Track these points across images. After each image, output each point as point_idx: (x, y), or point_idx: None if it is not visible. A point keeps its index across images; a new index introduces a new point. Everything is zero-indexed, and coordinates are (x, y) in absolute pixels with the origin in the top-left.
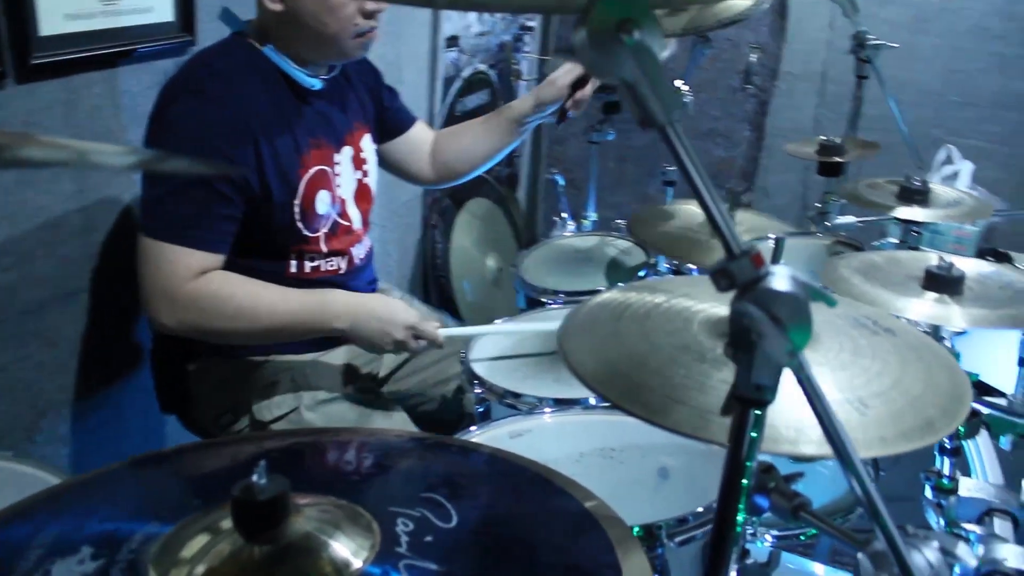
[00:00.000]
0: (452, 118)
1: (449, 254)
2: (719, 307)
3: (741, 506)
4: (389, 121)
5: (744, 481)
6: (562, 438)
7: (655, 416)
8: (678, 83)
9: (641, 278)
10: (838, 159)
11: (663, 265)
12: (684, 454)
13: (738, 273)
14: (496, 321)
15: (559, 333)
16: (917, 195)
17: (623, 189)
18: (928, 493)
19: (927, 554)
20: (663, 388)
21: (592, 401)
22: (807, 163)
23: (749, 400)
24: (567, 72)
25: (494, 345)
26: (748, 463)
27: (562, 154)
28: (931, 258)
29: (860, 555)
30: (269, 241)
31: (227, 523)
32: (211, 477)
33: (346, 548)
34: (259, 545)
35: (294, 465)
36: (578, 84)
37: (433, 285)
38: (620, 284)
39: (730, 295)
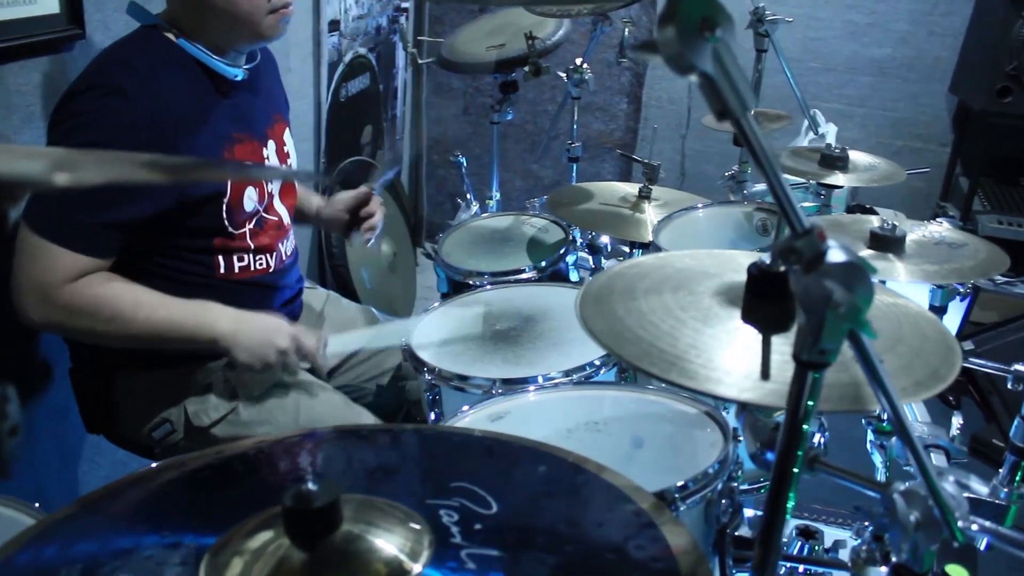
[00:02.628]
0: (337, 104)
1: (345, 243)
2: (717, 276)
3: (797, 467)
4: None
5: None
6: (545, 416)
7: (669, 375)
8: (578, 61)
9: (562, 255)
10: None
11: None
12: (661, 422)
13: (805, 249)
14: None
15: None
16: (838, 161)
17: (506, 167)
18: (871, 436)
19: (947, 487)
20: (672, 349)
21: (540, 380)
22: (683, 133)
23: (812, 364)
24: (351, 198)
25: (436, 330)
26: (805, 426)
27: (442, 135)
28: (872, 221)
29: (895, 495)
30: (194, 241)
31: (270, 533)
32: (237, 484)
33: (399, 545)
34: (313, 552)
35: (296, 468)
36: (358, 209)
37: (333, 275)
38: (543, 263)
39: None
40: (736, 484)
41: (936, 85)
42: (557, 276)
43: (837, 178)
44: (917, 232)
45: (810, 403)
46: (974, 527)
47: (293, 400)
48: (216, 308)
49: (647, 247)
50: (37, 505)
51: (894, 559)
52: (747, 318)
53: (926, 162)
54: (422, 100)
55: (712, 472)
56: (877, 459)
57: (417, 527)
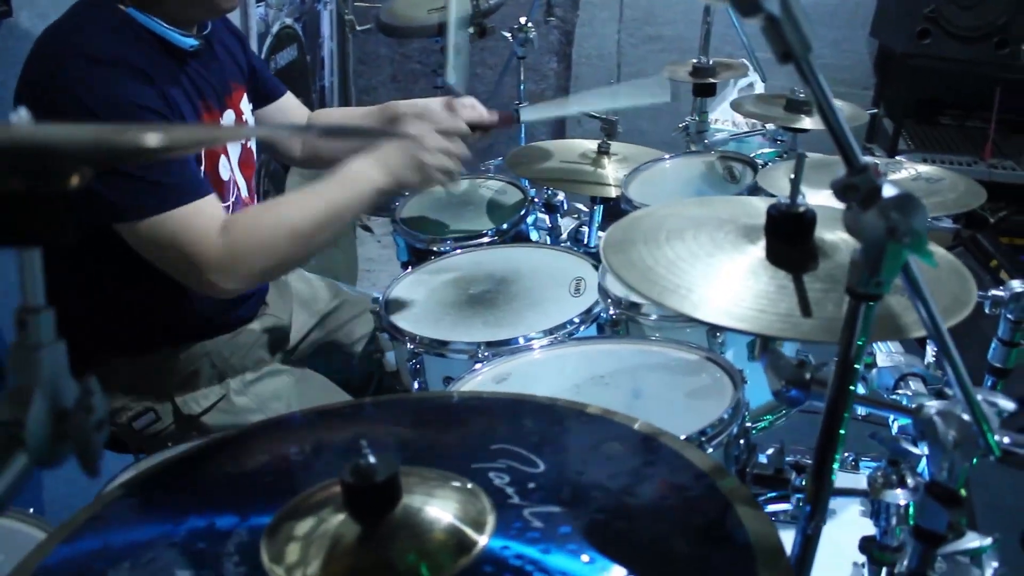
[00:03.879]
0: None
1: None
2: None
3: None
4: (260, 85)
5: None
6: (548, 374)
7: (695, 311)
8: (522, 20)
9: (523, 216)
10: (712, 80)
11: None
12: (665, 371)
13: (862, 184)
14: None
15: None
16: (804, 106)
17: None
18: None
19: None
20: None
21: (521, 341)
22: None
23: (868, 296)
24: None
25: (410, 295)
26: (857, 364)
27: (372, 104)
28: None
29: (934, 416)
30: None
31: (323, 512)
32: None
33: (459, 512)
34: (375, 527)
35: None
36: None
37: None
38: (504, 225)
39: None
40: (749, 425)
41: (858, 31)
42: (519, 237)
43: (804, 122)
44: (897, 171)
45: (862, 337)
46: (1006, 440)
47: (285, 387)
48: (354, 167)
49: (609, 202)
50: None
51: (925, 479)
52: (773, 259)
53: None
54: (349, 69)
55: (727, 417)
56: (859, 388)
57: (473, 493)
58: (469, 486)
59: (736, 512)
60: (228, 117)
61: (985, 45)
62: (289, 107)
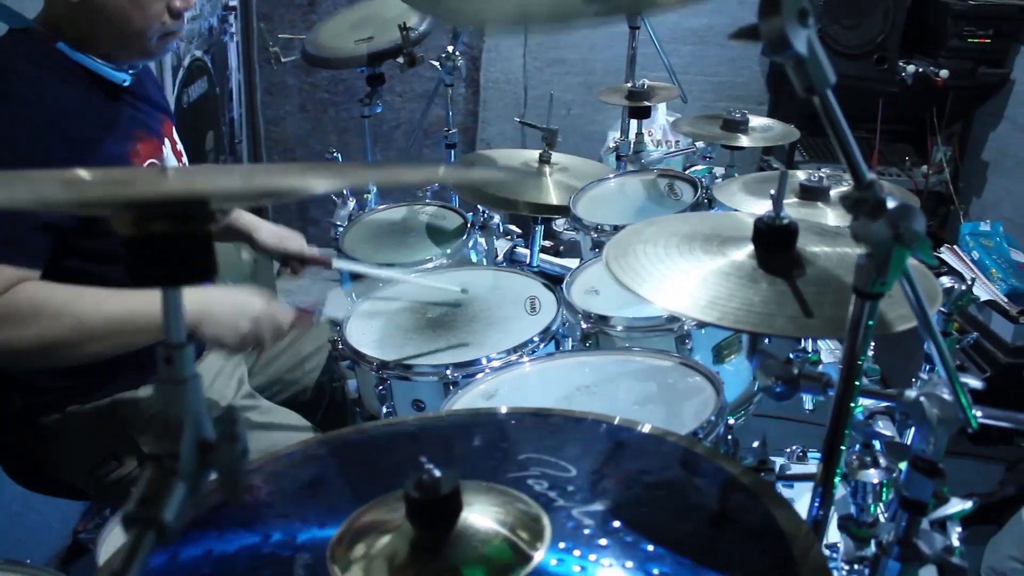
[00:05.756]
0: (180, 110)
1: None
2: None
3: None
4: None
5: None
6: (534, 388)
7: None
8: (450, 48)
9: (465, 240)
10: (647, 103)
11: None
12: (646, 378)
13: (871, 197)
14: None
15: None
16: (740, 125)
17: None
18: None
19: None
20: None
21: (484, 362)
22: (521, 112)
23: (872, 295)
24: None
25: (368, 323)
26: (862, 358)
27: (281, 135)
28: (799, 174)
29: (921, 399)
30: (112, 247)
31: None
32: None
33: (513, 520)
34: (438, 539)
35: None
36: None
37: None
38: (449, 250)
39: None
40: (731, 420)
41: (750, 49)
42: (462, 260)
43: (740, 140)
44: (838, 184)
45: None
46: (979, 414)
47: (251, 423)
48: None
49: (553, 211)
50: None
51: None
52: (765, 267)
53: None
54: (257, 100)
55: (714, 418)
56: None
57: (523, 500)
58: (516, 498)
59: (763, 502)
60: (166, 146)
61: (867, 61)
62: None
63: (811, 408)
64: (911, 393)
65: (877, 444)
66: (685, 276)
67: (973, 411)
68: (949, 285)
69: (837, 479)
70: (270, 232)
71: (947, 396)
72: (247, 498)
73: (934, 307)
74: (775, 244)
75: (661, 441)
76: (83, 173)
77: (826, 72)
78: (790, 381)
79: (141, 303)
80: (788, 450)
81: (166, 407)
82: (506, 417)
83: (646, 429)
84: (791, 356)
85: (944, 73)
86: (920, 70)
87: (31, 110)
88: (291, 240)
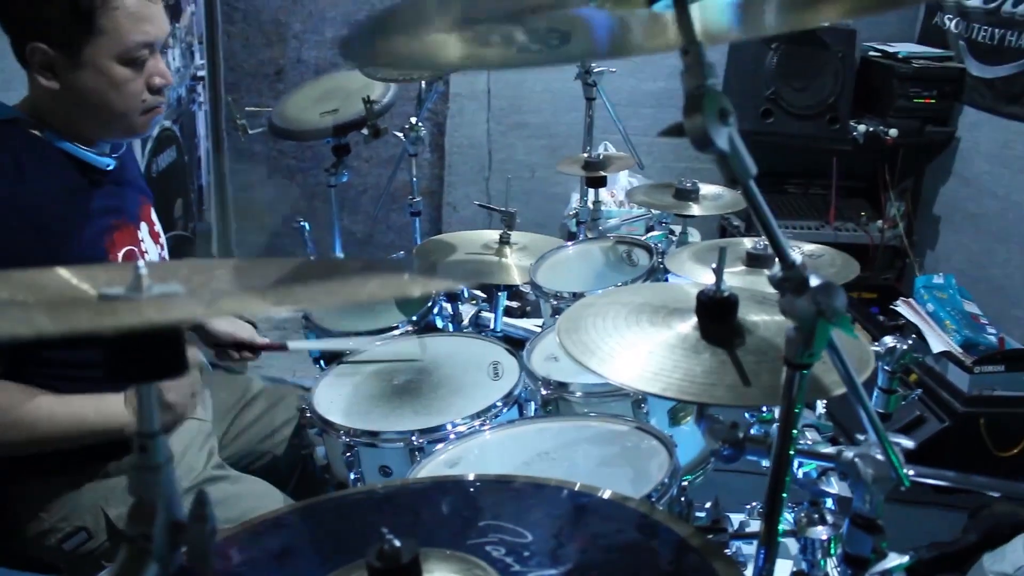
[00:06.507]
0: (150, 179)
1: None
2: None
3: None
4: None
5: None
6: (496, 454)
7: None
8: (413, 119)
9: (431, 307)
10: (603, 172)
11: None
12: (604, 443)
13: (795, 277)
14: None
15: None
16: (692, 194)
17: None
18: (755, 429)
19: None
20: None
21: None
22: (486, 175)
23: (801, 365)
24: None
25: (335, 391)
26: (796, 420)
27: (249, 200)
28: (745, 243)
29: (856, 459)
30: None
31: None
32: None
33: None
34: None
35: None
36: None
37: None
38: (414, 316)
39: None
40: (685, 481)
41: None
42: (428, 327)
43: (692, 209)
44: None
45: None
46: (911, 472)
47: (221, 492)
48: (115, 397)
49: (513, 288)
50: None
51: (839, 517)
52: (707, 337)
53: (706, 181)
54: (226, 168)
55: (668, 481)
56: None
57: (480, 567)
58: (473, 564)
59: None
60: (143, 230)
61: (819, 121)
62: None
63: None
64: (848, 454)
65: (829, 501)
66: (632, 348)
67: (905, 470)
68: (892, 344)
69: (780, 537)
70: (221, 321)
71: (880, 456)
72: (218, 568)
73: (866, 372)
74: (716, 315)
75: (618, 506)
76: (44, 320)
77: (748, 165)
78: (736, 444)
79: (91, 410)
80: (748, 507)
81: (140, 491)
82: (471, 483)
83: (606, 495)
84: (746, 415)
85: (893, 132)
86: (870, 129)
87: (4, 207)
88: (243, 330)
